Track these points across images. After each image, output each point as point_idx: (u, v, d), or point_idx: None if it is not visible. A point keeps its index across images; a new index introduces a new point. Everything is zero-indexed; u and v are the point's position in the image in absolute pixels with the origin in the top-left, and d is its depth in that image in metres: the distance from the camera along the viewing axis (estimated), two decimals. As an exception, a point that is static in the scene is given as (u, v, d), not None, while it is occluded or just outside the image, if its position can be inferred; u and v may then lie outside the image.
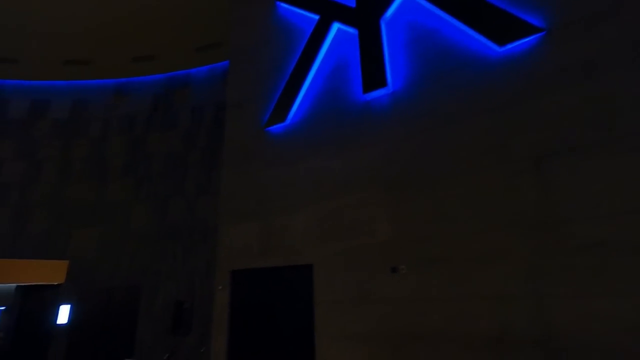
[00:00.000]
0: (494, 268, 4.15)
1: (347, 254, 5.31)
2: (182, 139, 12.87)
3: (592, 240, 3.68)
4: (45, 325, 11.50)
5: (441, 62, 5.29)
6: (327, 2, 6.76)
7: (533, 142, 4.31)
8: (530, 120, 4.39)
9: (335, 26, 6.55)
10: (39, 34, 13.38)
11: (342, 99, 6.09)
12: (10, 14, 12.66)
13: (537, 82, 4.49)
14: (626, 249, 3.52)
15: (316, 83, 6.53)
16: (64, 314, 11.49)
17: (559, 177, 4.04)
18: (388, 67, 5.70)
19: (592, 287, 3.59)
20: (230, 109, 7.49)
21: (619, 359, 3.37)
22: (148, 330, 10.86)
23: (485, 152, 4.57)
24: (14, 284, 11.58)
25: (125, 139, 13.34)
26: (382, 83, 5.61)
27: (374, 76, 5.72)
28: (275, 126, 6.69)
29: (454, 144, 4.85)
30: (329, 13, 6.65)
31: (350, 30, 6.37)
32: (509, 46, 4.74)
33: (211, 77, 13.32)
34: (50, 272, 11.64)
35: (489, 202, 4.36)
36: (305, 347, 5.34)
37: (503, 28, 4.76)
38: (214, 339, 6.01)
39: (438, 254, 4.55)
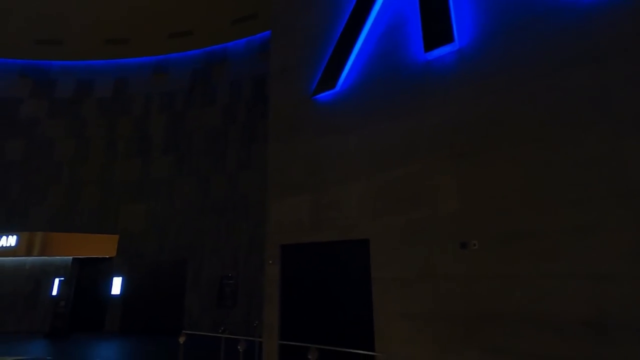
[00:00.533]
0: (591, 243, 3.61)
1: (407, 228, 4.91)
2: (221, 114, 12.76)
3: None
4: (100, 295, 12.12)
5: (520, 10, 4.59)
6: (380, -47, 6.10)
7: (641, 97, 3.63)
8: (637, 72, 3.70)
9: (390, -21, 5.92)
10: (80, 15, 13.52)
11: (400, 60, 5.54)
12: (53, -6, 12.81)
13: (645, 26, 3.75)
14: None
15: (368, 44, 5.99)
16: (117, 285, 12.03)
17: (678, 137, 3.38)
18: (454, 20, 5.06)
19: None
20: (274, 78, 7.13)
21: None
22: (195, 302, 11.15)
23: (578, 111, 3.93)
24: (71, 257, 12.22)
25: (166, 116, 13.43)
26: (448, 39, 5.00)
27: (437, 31, 5.11)
28: (323, 93, 6.27)
29: (537, 104, 4.23)
30: (383, -35, 6.01)
31: (408, -19, 5.72)
32: (610, -16, 3.99)
33: (248, 51, 12.99)
34: (102, 245, 12.16)
35: (584, 167, 3.77)
36: (363, 324, 5.08)
37: (605, -39, 3.99)
38: (266, 313, 5.89)
39: (520, 227, 4.04)
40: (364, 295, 5.17)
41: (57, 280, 11.92)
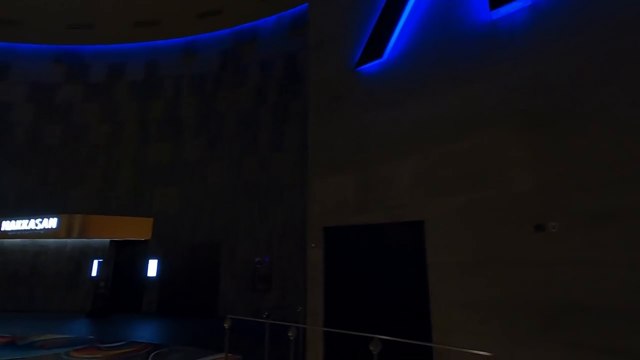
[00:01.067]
0: None
1: (470, 208, 4.42)
2: (252, 95, 12.45)
3: None
4: (137, 277, 12.32)
5: (613, -49, 3.89)
6: None
7: None
8: None
9: None
10: (110, -3, 13.39)
11: (459, 22, 4.94)
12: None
13: None
14: None
15: (420, 6, 5.40)
16: (152, 268, 12.18)
17: None
18: (527, -29, 4.40)
19: None
20: (314, 50, 6.66)
21: None
22: (229, 285, 11.11)
23: (694, 67, 3.27)
24: (108, 239, 12.45)
25: (197, 98, 13.27)
26: (519, -8, 4.36)
27: (506, -15, 4.47)
28: (369, 64, 5.77)
29: (631, 64, 3.58)
30: None
31: None
32: None
33: (279, 28, 12.51)
34: (137, 228, 12.29)
35: None
36: (417, 313, 4.69)
37: None
38: (309, 299, 5.61)
39: (610, 207, 3.47)
40: (418, 282, 4.76)
41: (96, 262, 12.19)
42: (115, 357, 6.36)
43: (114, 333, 8.54)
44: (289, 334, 4.07)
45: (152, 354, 6.52)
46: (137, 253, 12.58)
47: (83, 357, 6.35)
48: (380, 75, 5.65)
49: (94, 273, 12.14)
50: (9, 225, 12.10)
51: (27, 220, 11.91)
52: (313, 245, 5.72)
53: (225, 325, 4.32)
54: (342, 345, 5.14)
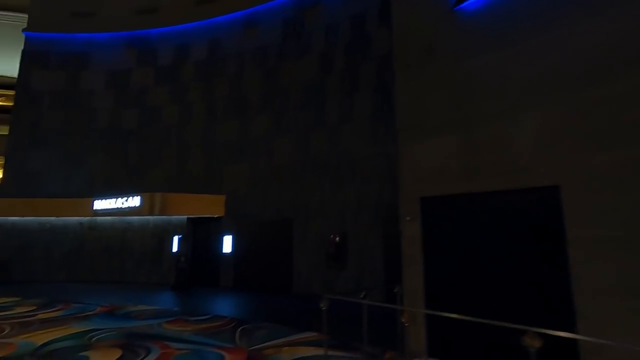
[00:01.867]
0: None
1: (625, 169, 3.40)
2: (317, 63, 11.77)
3: None
4: (213, 253, 12.70)
5: None
6: None
7: None
8: None
9: None
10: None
11: None
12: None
13: None
14: None
15: None
16: (227, 244, 12.43)
17: None
18: None
19: None
20: (397, -6, 5.76)
21: None
22: (303, 263, 10.92)
23: None
24: (185, 216, 12.93)
25: (260, 72, 12.95)
26: None
27: None
28: (472, 0, 4.76)
29: None
30: None
31: None
32: None
33: (343, -12, 11.53)
34: (211, 205, 12.56)
35: None
36: (551, 298, 3.85)
37: None
38: (406, 279, 4.99)
39: None
40: (550, 261, 3.89)
41: (176, 238, 12.76)
42: (204, 330, 6.38)
43: (198, 306, 8.77)
44: (402, 319, 3.51)
45: (238, 329, 6.44)
46: (212, 229, 12.93)
47: (174, 329, 6.47)
48: (488, 11, 4.63)
49: (174, 248, 12.73)
50: (100, 204, 13.06)
51: (114, 199, 12.74)
52: (408, 218, 5.03)
53: (322, 305, 3.89)
54: (449, 332, 4.48)
